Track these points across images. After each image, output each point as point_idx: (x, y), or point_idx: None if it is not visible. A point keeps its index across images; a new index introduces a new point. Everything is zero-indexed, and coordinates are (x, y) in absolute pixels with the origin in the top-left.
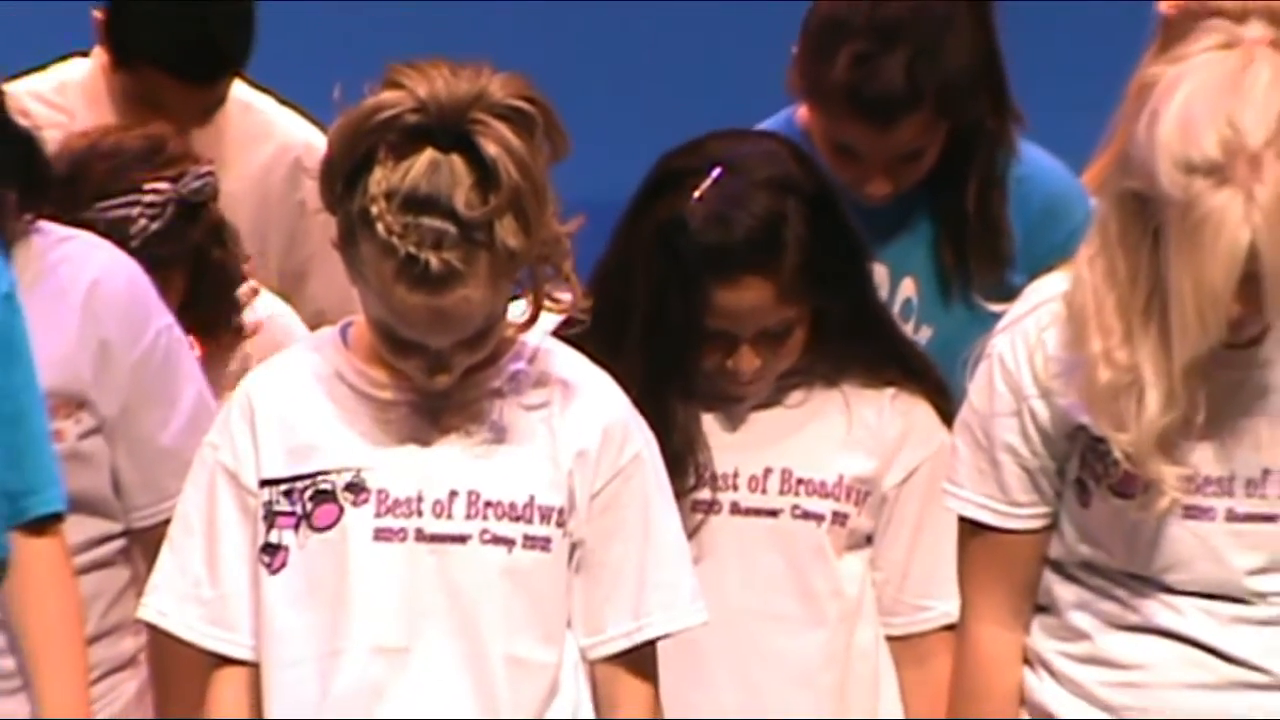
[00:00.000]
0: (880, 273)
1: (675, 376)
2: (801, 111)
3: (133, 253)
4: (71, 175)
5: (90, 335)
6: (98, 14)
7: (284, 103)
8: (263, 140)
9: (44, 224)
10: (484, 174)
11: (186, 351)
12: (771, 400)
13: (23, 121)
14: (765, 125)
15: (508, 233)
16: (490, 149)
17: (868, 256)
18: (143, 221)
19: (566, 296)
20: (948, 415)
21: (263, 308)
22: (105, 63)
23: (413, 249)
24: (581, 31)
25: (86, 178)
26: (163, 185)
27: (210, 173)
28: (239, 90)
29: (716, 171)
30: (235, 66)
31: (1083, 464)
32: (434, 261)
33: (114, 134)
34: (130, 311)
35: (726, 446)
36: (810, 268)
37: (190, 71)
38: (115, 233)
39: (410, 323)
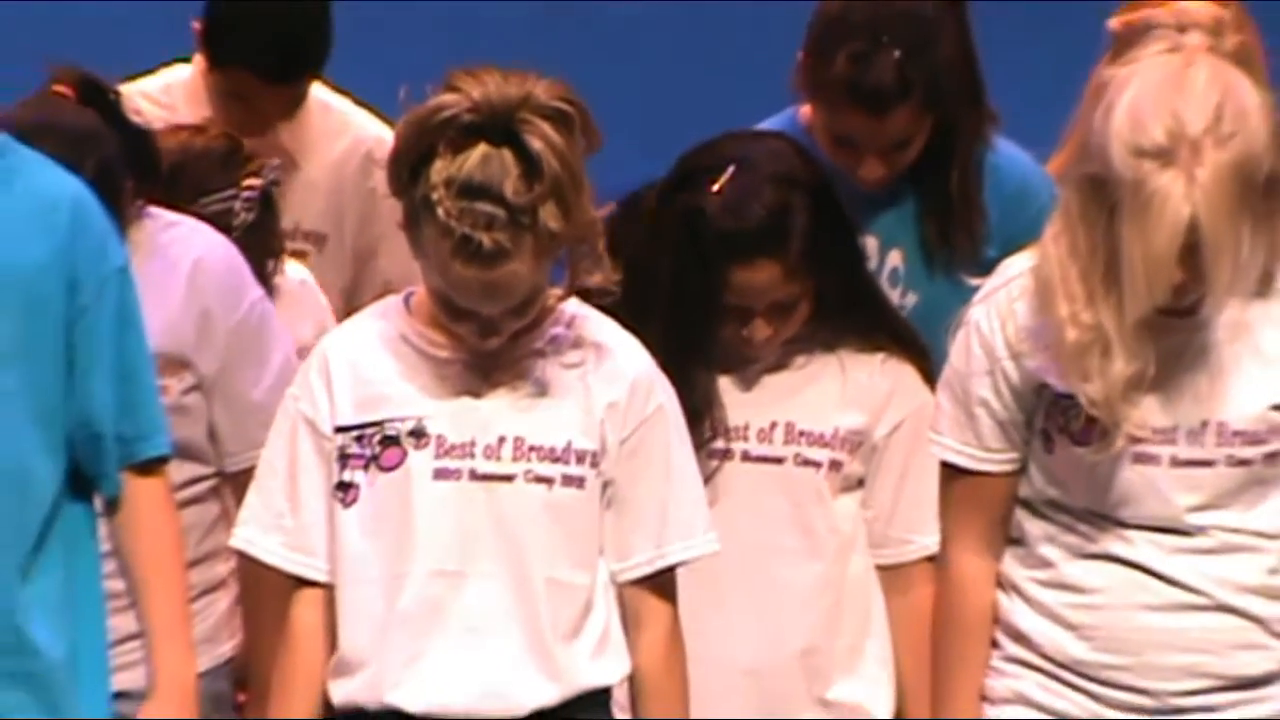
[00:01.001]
0: (871, 244)
1: (695, 343)
2: (804, 110)
3: (234, 239)
4: (173, 175)
5: (193, 305)
6: (196, 24)
7: (358, 102)
8: (339, 134)
9: (153, 209)
10: (529, 166)
11: (275, 319)
12: (778, 364)
13: (135, 118)
14: (771, 123)
15: (549, 216)
16: (535, 144)
17: (860, 241)
18: (243, 214)
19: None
20: (930, 375)
21: (292, 273)
22: (203, 66)
23: (468, 230)
24: (610, 39)
25: (185, 176)
26: (255, 182)
27: (278, 167)
28: (318, 90)
29: (731, 168)
30: (314, 68)
31: (1047, 417)
32: (486, 241)
33: (199, 137)
34: (228, 285)
35: (738, 403)
36: (812, 251)
37: (274, 72)
38: (219, 223)
39: (465, 293)
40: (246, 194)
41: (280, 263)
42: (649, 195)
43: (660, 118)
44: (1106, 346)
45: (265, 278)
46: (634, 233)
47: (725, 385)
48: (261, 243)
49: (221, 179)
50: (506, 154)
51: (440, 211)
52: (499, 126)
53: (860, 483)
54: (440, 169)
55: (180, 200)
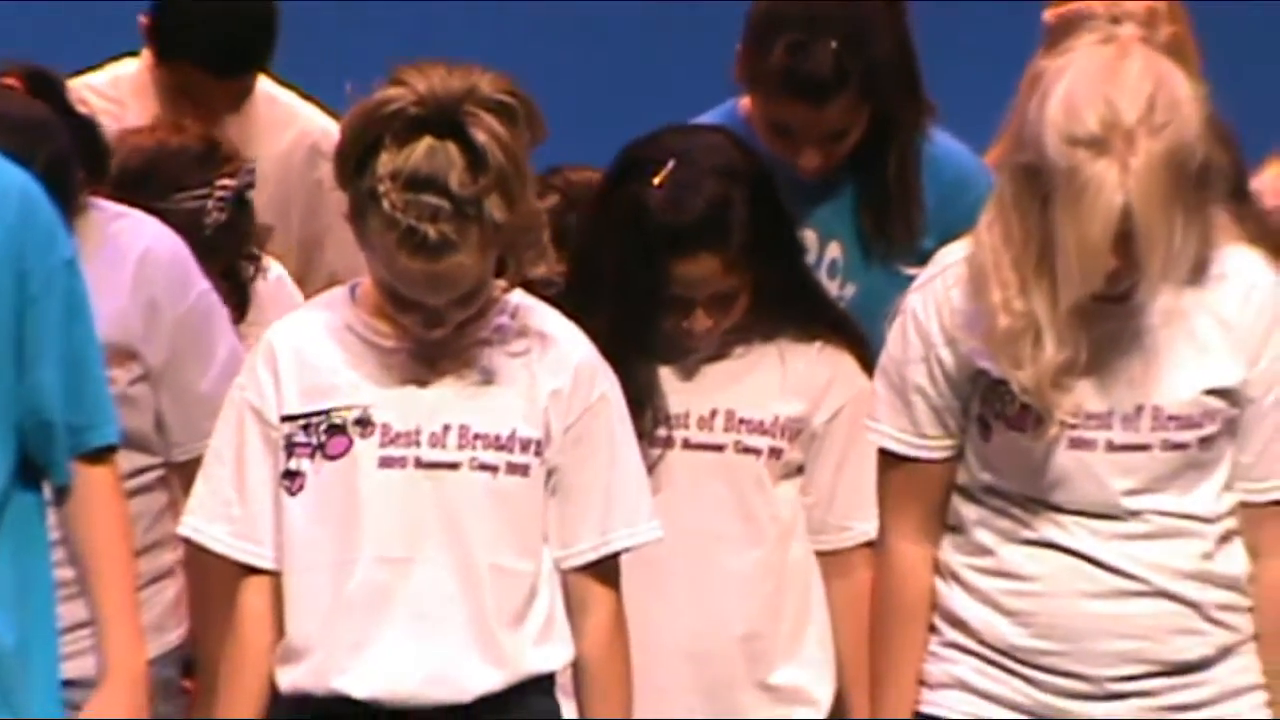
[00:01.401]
0: (810, 237)
1: (637, 333)
2: (744, 102)
3: (204, 238)
4: (146, 171)
5: (140, 296)
6: (143, 19)
7: (304, 96)
8: (285, 127)
9: (100, 200)
10: (474, 158)
11: (221, 311)
12: (718, 353)
13: (82, 110)
14: (711, 115)
15: (494, 208)
16: (480, 136)
17: (798, 234)
18: (215, 214)
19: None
20: (867, 364)
21: (271, 271)
22: (150, 61)
23: (413, 222)
24: (555, 36)
25: (159, 174)
26: (229, 182)
27: (253, 169)
28: (264, 84)
29: (672, 162)
30: (259, 63)
31: (983, 403)
32: (431, 233)
33: (175, 135)
34: (175, 276)
35: (679, 392)
36: (752, 244)
37: (221, 67)
38: (190, 221)
39: (410, 284)
40: (220, 193)
41: (260, 264)
42: (588, 196)
43: (606, 111)
44: (1038, 333)
45: (239, 277)
46: (578, 229)
47: (666, 375)
48: (234, 243)
49: (196, 178)
50: (451, 147)
51: (386, 204)
52: (444, 119)
53: (800, 469)
54: (386, 161)
55: (154, 197)
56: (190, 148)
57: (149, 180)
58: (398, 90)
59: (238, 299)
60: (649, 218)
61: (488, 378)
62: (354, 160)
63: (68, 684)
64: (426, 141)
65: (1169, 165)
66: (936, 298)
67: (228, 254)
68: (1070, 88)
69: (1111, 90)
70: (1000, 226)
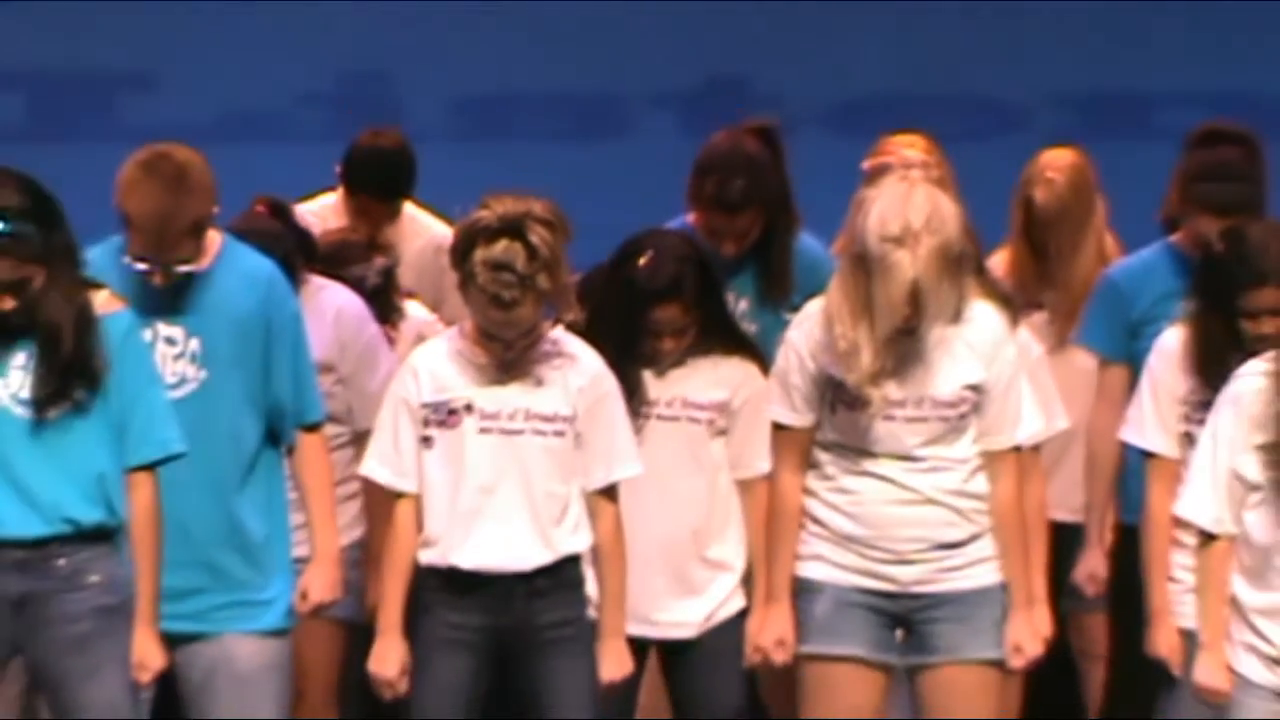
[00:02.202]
0: (730, 296)
1: (628, 352)
2: (692, 216)
3: (363, 294)
4: (336, 254)
5: (336, 334)
6: (338, 166)
7: (432, 213)
8: (421, 234)
9: (313, 276)
10: (531, 252)
11: (384, 342)
12: (676, 362)
13: (302, 224)
14: (673, 223)
15: (543, 281)
16: (534, 239)
17: (724, 291)
18: (373, 279)
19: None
20: (765, 370)
21: (412, 311)
22: (341, 193)
23: (496, 290)
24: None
25: (342, 255)
26: (380, 261)
27: (397, 256)
28: (407, 207)
29: (650, 251)
30: (406, 193)
31: (832, 393)
32: (506, 296)
33: (352, 235)
34: (356, 323)
35: (653, 386)
36: (698, 298)
37: (383, 195)
38: (356, 283)
39: (494, 326)
40: (376, 268)
41: (402, 310)
42: (599, 270)
43: (607, 226)
44: (861, 352)
45: (391, 319)
46: (592, 290)
47: (646, 376)
48: (386, 299)
49: (363, 258)
50: (518, 245)
51: (480, 279)
52: (513, 229)
53: (724, 432)
54: (480, 254)
55: (336, 267)
56: (359, 241)
57: (332, 258)
58: (485, 212)
59: (390, 330)
60: (637, 284)
61: (539, 380)
62: (461, 252)
63: (297, 559)
64: (503, 242)
65: (941, 254)
66: (805, 332)
67: (382, 304)
68: (882, 206)
69: (906, 209)
70: (841, 290)
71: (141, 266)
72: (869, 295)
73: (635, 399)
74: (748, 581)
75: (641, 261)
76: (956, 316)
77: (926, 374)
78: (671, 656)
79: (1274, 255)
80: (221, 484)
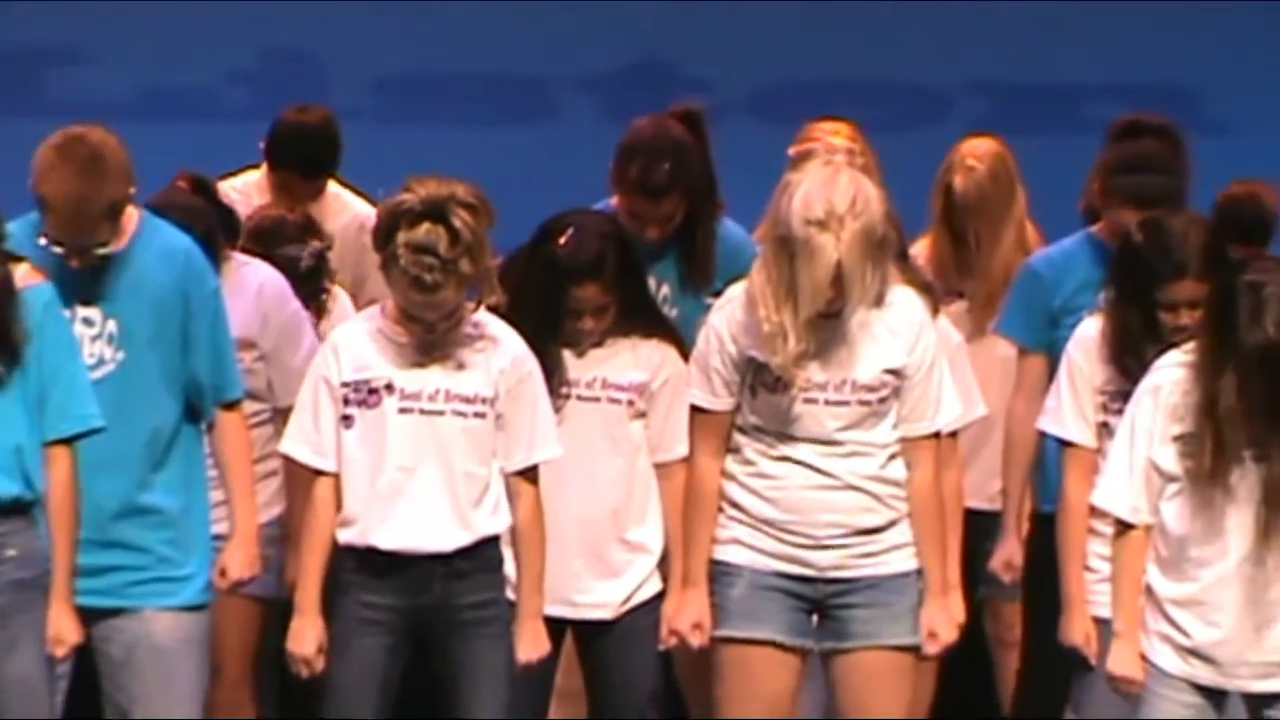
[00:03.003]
0: (651, 280)
1: (549, 333)
2: (615, 200)
3: (296, 275)
4: (272, 232)
5: (258, 310)
6: (262, 143)
7: (356, 191)
8: (344, 212)
9: (235, 253)
10: (454, 236)
11: (306, 319)
12: (596, 344)
13: (225, 200)
14: (598, 207)
15: (465, 265)
16: (457, 223)
17: (646, 273)
18: (307, 261)
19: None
20: (684, 353)
21: (338, 296)
22: (266, 170)
23: (418, 273)
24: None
25: (278, 235)
26: (315, 244)
27: (331, 239)
28: (331, 185)
29: (571, 230)
30: (329, 170)
31: (753, 376)
32: (428, 279)
33: (289, 214)
34: (279, 299)
35: (574, 367)
36: (617, 279)
37: (307, 172)
38: (290, 265)
39: (415, 308)
40: (310, 250)
41: (331, 292)
42: (521, 250)
43: (531, 207)
44: (785, 335)
45: (320, 301)
46: (514, 270)
47: (566, 356)
48: (317, 281)
49: (299, 238)
50: (440, 229)
51: (402, 262)
52: (436, 212)
53: (643, 413)
54: (403, 237)
55: (270, 248)
56: (295, 221)
57: (269, 236)
58: (408, 195)
59: (317, 312)
60: (558, 261)
61: (460, 361)
62: (384, 234)
63: (216, 536)
64: (426, 225)
65: (864, 237)
66: (727, 316)
67: (312, 285)
68: (806, 190)
69: (830, 192)
70: (764, 273)
71: (57, 250)
72: (793, 278)
73: (555, 379)
74: (664, 564)
75: (562, 240)
76: (879, 301)
77: (848, 357)
78: (588, 637)
79: (1193, 248)
80: (139, 463)
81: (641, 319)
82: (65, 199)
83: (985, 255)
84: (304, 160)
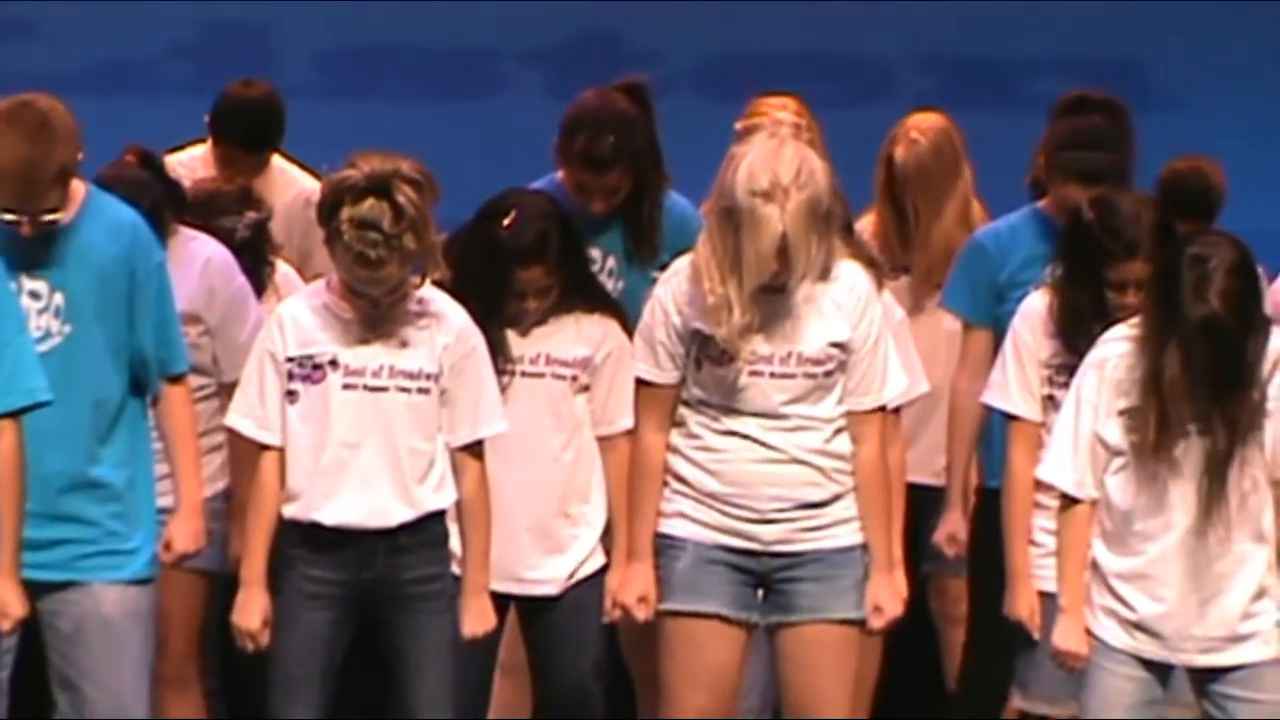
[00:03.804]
0: (596, 254)
1: (493, 310)
2: (560, 173)
3: (232, 246)
4: (204, 202)
5: (204, 284)
6: (206, 117)
7: (301, 166)
8: (290, 186)
9: (181, 227)
10: (398, 212)
11: (251, 294)
12: (539, 320)
13: (171, 174)
14: (540, 182)
15: (409, 241)
16: (400, 199)
17: (587, 251)
18: (241, 232)
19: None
20: (627, 328)
21: (281, 270)
22: (210, 144)
23: (361, 248)
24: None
25: (213, 206)
26: (251, 215)
27: (269, 209)
28: (276, 159)
29: (514, 211)
30: (274, 144)
31: (699, 349)
32: (372, 254)
33: (225, 185)
34: (224, 273)
35: (518, 344)
36: (560, 258)
37: (250, 145)
38: (226, 236)
39: (360, 284)
40: (246, 221)
41: (273, 265)
42: (462, 233)
43: (476, 182)
44: (731, 307)
45: (260, 274)
46: (457, 249)
47: (510, 334)
48: (257, 252)
49: (233, 210)
50: (384, 204)
51: (346, 237)
52: (380, 188)
53: (586, 388)
54: (346, 212)
55: (206, 218)
56: (231, 192)
57: (204, 208)
58: (352, 170)
59: (258, 285)
60: (501, 244)
61: (406, 337)
62: (328, 210)
63: (161, 510)
64: (370, 201)
65: (809, 208)
66: (673, 288)
67: (251, 258)
68: (751, 161)
69: (775, 163)
70: (709, 245)
71: (8, 217)
72: (738, 249)
73: (500, 357)
74: (606, 538)
75: (505, 223)
76: (824, 274)
77: (794, 330)
78: (532, 613)
79: (1145, 229)
80: (85, 436)
81: (584, 295)
82: (14, 164)
83: (925, 228)
84: (247, 134)
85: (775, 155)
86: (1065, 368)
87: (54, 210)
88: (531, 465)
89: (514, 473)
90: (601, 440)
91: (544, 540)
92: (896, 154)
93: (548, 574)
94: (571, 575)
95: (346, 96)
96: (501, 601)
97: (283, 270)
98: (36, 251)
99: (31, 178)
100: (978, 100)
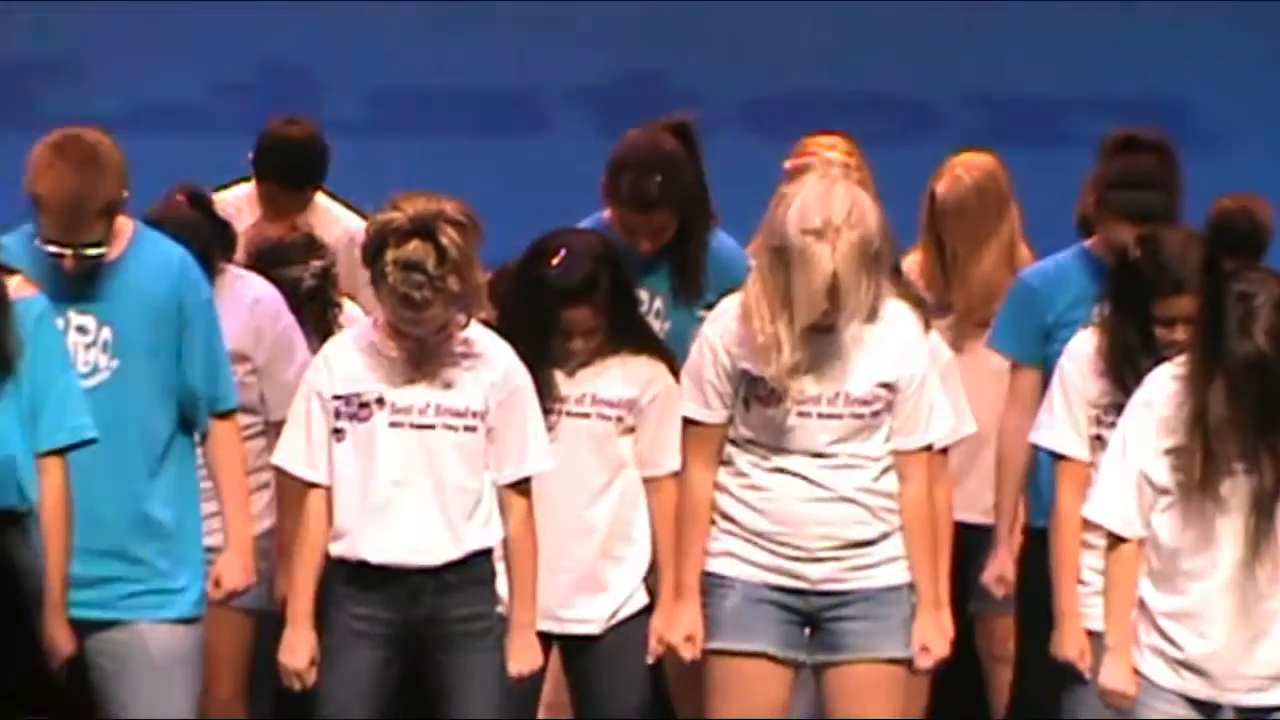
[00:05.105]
0: (644, 294)
1: (539, 350)
2: (607, 213)
3: (299, 296)
4: (272, 255)
5: (252, 323)
6: (250, 155)
7: (347, 205)
8: (334, 225)
9: (229, 266)
10: (442, 254)
11: (299, 334)
12: (586, 361)
13: (220, 213)
14: (587, 221)
15: (453, 282)
16: (445, 240)
17: (636, 293)
18: (308, 281)
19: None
20: (674, 369)
21: (348, 309)
22: (254, 182)
23: (406, 290)
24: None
25: (278, 257)
26: (316, 263)
27: (334, 256)
28: (319, 198)
29: (563, 250)
30: (316, 182)
31: (746, 388)
32: (416, 296)
33: (290, 234)
34: (271, 313)
35: (564, 384)
36: (608, 299)
37: (292, 184)
38: (293, 285)
39: (405, 324)
40: (311, 270)
41: (340, 307)
42: (510, 268)
43: (525, 222)
44: (780, 346)
45: (327, 320)
46: (503, 289)
47: (557, 374)
48: (324, 298)
49: (300, 259)
50: (429, 246)
51: (391, 279)
52: (424, 230)
53: (632, 429)
54: (391, 254)
55: (272, 268)
56: (296, 241)
57: (269, 258)
58: (396, 212)
59: (326, 331)
60: (548, 283)
61: (452, 374)
62: (373, 252)
63: (208, 549)
64: (414, 243)
65: (859, 248)
66: (721, 328)
67: (319, 305)
68: (803, 200)
69: (827, 203)
70: (759, 284)
71: (53, 250)
72: (788, 288)
73: (546, 396)
74: (649, 578)
75: (553, 262)
76: (872, 314)
77: (842, 370)
78: (575, 653)
79: (1191, 264)
80: (133, 472)
81: (631, 336)
82: (62, 196)
83: (963, 267)
84: (289, 172)
85: (827, 194)
86: (1113, 407)
87: (98, 244)
88: (574, 505)
89: (556, 512)
90: (648, 481)
91: (586, 580)
92: (939, 190)
93: (589, 614)
94: (613, 615)
95: (394, 135)
96: (544, 640)
97: (349, 310)
98: (84, 286)
99: (78, 210)
100: (1022, 138)
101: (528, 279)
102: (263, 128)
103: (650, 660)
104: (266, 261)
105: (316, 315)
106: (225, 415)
